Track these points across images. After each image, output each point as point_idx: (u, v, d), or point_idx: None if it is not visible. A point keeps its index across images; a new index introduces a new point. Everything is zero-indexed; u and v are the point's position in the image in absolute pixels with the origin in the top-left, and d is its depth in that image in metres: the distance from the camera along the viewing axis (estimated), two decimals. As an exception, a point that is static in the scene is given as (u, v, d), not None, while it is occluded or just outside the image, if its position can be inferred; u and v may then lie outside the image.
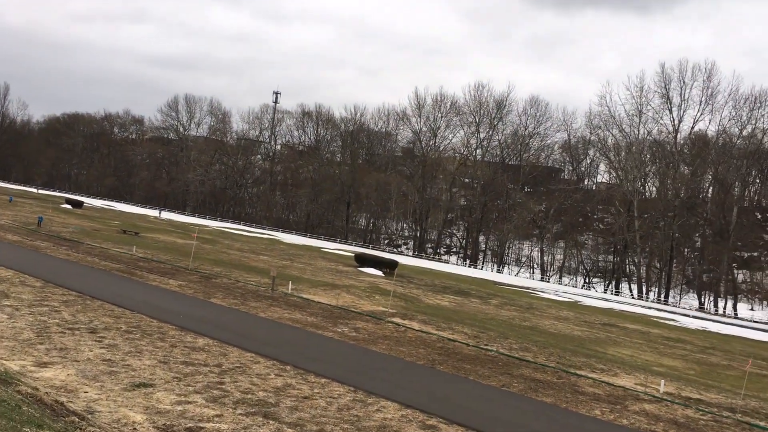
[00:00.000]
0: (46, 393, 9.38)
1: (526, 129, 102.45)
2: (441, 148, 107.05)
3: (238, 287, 25.99)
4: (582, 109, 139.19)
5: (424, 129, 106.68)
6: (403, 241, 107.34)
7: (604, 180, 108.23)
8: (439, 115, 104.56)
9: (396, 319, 22.94)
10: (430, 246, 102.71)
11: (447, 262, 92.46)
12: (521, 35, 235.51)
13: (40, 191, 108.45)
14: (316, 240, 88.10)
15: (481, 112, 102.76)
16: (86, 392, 10.72)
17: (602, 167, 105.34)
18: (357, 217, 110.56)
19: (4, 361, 11.49)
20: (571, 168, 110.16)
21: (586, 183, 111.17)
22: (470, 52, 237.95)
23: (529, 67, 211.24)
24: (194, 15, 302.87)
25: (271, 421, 10.63)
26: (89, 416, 9.43)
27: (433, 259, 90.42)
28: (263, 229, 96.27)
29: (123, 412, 9.98)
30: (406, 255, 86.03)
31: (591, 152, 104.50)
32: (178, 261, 31.73)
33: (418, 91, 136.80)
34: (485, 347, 20.28)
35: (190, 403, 10.91)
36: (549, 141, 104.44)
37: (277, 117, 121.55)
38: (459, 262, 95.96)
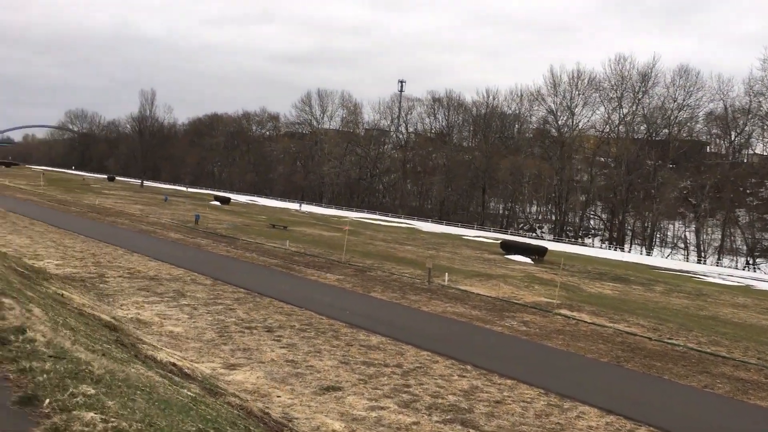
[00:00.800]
0: (251, 401, 9.10)
1: (674, 101, 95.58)
2: (579, 126, 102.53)
3: (393, 280, 25.61)
4: (738, 77, 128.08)
5: (561, 108, 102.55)
6: (538, 225, 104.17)
7: (757, 151, 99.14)
8: (576, 92, 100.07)
9: (563, 311, 21.60)
10: (570, 229, 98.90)
11: (591, 245, 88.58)
12: (651, 3, 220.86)
13: (189, 189, 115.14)
14: (452, 227, 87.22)
15: (624, 86, 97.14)
16: (279, 396, 10.47)
17: (759, 136, 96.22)
18: (492, 202, 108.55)
19: (195, 364, 11.50)
20: (723, 140, 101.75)
21: (741, 154, 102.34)
22: (597, 25, 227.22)
23: (666, 38, 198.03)
24: (317, 11, 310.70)
25: (471, 430, 9.89)
26: (289, 423, 9.11)
27: (575, 243, 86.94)
28: (398, 218, 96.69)
29: (320, 419, 9.59)
30: (547, 240, 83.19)
31: (744, 121, 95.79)
32: (329, 254, 31.95)
33: (553, 69, 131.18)
34: (669, 341, 18.53)
35: (383, 408, 10.38)
36: (700, 112, 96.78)
37: (408, 105, 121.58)
38: (603, 245, 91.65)
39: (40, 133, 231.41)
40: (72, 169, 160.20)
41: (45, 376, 3.67)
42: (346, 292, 21.86)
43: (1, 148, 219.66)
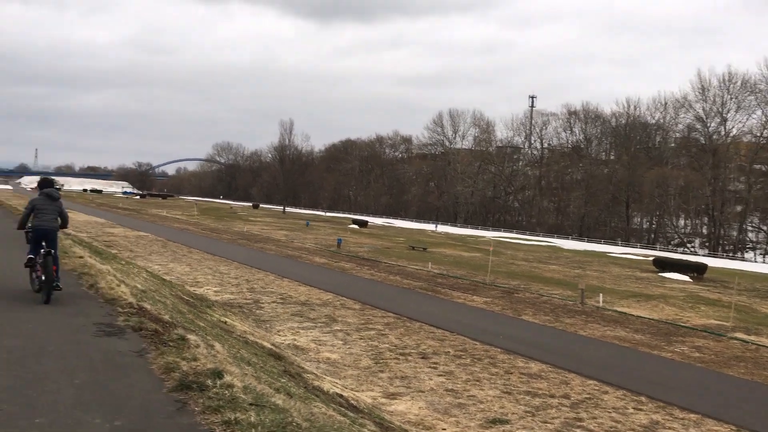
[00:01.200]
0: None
1: None
2: (732, 132, 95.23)
3: (543, 302, 24.54)
4: None
5: (711, 113, 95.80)
6: (689, 240, 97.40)
7: None
8: (729, 96, 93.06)
9: (739, 335, 19.63)
10: (727, 243, 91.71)
11: (752, 260, 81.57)
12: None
13: (327, 214, 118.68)
14: (595, 245, 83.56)
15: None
16: (444, 429, 10.03)
17: None
18: (636, 216, 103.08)
19: (356, 393, 11.31)
20: None
21: None
22: (744, 23, 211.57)
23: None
24: (444, 33, 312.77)
25: (661, 473, 8.93)
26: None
27: (734, 258, 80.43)
28: (536, 236, 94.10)
29: (492, 457, 9.02)
30: (701, 255, 77.54)
31: None
32: (473, 275, 31.31)
33: (701, 73, 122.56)
34: None
35: (557, 445, 9.64)
36: None
37: (542, 120, 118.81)
38: (766, 259, 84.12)
39: (191, 166, 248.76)
40: (220, 198, 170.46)
41: (253, 431, 3.45)
42: (496, 316, 21.14)
43: (157, 182, 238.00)
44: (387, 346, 15.61)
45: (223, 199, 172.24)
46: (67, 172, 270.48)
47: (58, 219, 9.38)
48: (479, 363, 14.42)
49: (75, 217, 56.22)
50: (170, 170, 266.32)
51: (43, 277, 8.64)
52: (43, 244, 9.00)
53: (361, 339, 16.16)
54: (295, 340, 15.52)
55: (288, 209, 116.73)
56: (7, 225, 22.86)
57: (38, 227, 9.06)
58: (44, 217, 9.11)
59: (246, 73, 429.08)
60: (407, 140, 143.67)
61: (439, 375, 13.23)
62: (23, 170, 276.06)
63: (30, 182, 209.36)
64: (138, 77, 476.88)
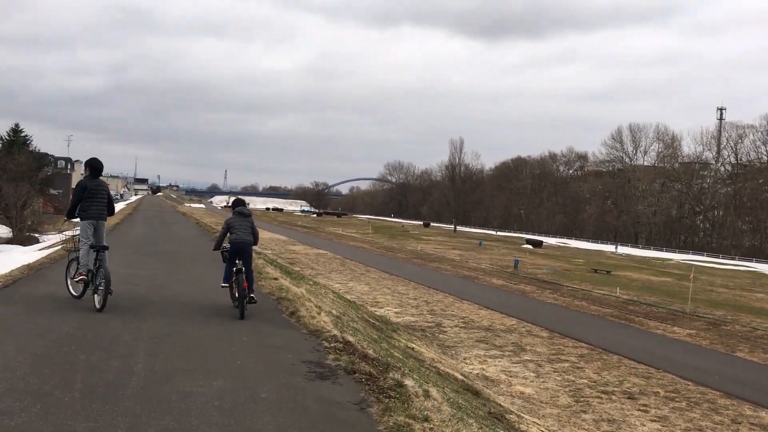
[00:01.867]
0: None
1: None
2: None
3: (759, 336, 21.59)
4: None
5: None
6: None
7: None
8: None
9: None
10: None
11: None
12: None
13: (498, 233, 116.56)
14: (803, 270, 74.17)
15: None
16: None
17: None
18: None
19: (560, 437, 10.14)
20: None
21: None
22: None
23: None
24: (617, 46, 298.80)
25: None
26: None
27: None
28: (731, 259, 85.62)
29: None
30: None
31: None
32: (668, 303, 28.53)
33: None
34: None
35: None
36: None
37: (736, 133, 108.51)
38: None
39: (363, 185, 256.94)
40: (391, 217, 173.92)
41: None
42: (705, 351, 18.78)
43: (332, 200, 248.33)
44: (585, 381, 14.20)
45: (394, 217, 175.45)
46: (252, 191, 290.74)
47: (252, 235, 9.74)
48: (697, 408, 12.60)
49: (260, 234, 59.53)
50: (344, 189, 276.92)
51: (236, 294, 9.13)
52: (238, 262, 9.41)
53: (555, 372, 14.86)
54: (483, 369, 14.59)
55: (458, 228, 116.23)
56: (205, 243, 24.12)
57: (234, 241, 9.52)
58: (239, 232, 9.58)
59: (416, 93, 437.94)
60: (582, 157, 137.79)
61: (652, 420, 11.67)
62: (214, 190, 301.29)
63: (220, 201, 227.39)
64: (315, 102, 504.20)
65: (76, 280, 9.22)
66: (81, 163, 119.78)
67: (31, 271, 12.48)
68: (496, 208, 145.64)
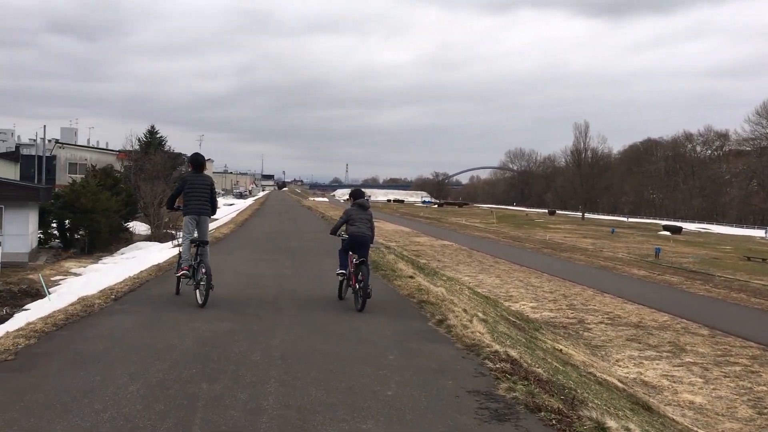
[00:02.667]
0: None
1: None
2: None
3: None
4: None
5: None
6: None
7: None
8: None
9: None
10: None
11: None
12: None
13: (629, 219, 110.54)
14: None
15: None
16: None
17: None
18: None
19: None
20: None
21: None
22: None
23: None
24: (754, 16, 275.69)
25: None
26: None
27: None
28: None
29: None
30: None
31: None
32: None
33: None
34: None
35: None
36: None
37: None
38: None
39: (483, 174, 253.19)
40: (513, 205, 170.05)
41: None
42: None
43: (452, 190, 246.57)
44: (765, 388, 12.26)
45: (517, 205, 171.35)
46: (373, 184, 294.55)
47: (371, 228, 9.55)
48: None
49: (383, 226, 59.26)
50: (463, 179, 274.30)
51: (357, 286, 8.89)
52: (354, 258, 9.24)
53: (726, 377, 12.99)
54: (640, 373, 12.98)
55: (586, 215, 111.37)
56: (332, 237, 23.72)
57: (353, 234, 9.32)
58: (358, 225, 9.37)
59: (536, 78, 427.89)
60: (722, 136, 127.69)
61: None
62: (336, 183, 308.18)
63: (342, 194, 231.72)
64: (433, 93, 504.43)
65: (178, 275, 9.22)
66: (212, 161, 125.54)
67: (160, 272, 12.32)
68: (626, 194, 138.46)
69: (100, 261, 26.64)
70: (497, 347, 5.53)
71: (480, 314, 8.37)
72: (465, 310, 7.87)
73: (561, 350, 11.87)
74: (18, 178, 53.94)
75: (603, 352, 14.57)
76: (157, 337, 6.83)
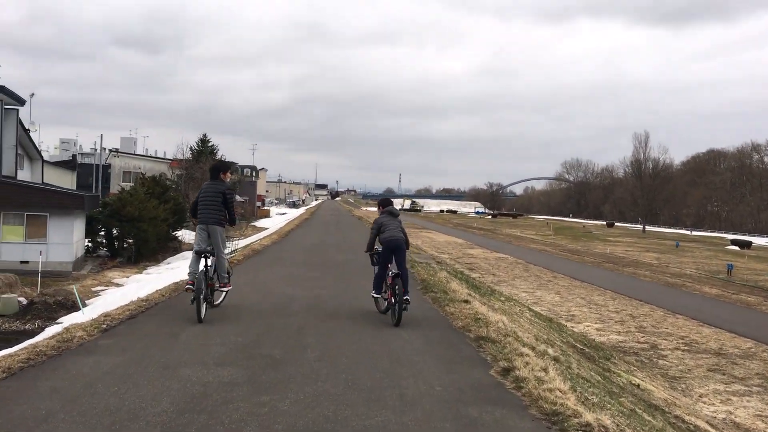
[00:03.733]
0: None
1: None
2: None
3: None
4: None
5: None
6: None
7: None
8: None
9: None
10: None
11: None
12: None
13: (693, 232, 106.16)
14: None
15: None
16: None
17: None
18: None
19: None
20: None
21: None
22: None
23: None
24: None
25: None
26: None
27: None
28: None
29: None
30: None
31: None
32: None
33: None
34: None
35: None
36: None
37: None
38: None
39: (538, 185, 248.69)
40: (569, 217, 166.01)
41: None
42: None
43: (506, 201, 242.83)
44: None
45: (573, 217, 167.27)
46: (426, 194, 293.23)
47: (403, 233, 9.13)
48: None
49: (436, 237, 57.72)
50: (517, 190, 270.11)
51: (393, 300, 8.39)
52: (391, 272, 8.71)
53: (832, 420, 11.14)
54: (730, 413, 11.28)
55: (646, 228, 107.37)
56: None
57: (387, 239, 8.90)
58: (391, 230, 8.99)
59: (593, 88, 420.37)
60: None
61: None
62: (389, 193, 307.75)
63: (395, 204, 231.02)
64: (488, 102, 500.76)
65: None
66: (266, 171, 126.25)
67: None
68: (688, 206, 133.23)
69: (144, 271, 26.05)
70: (587, 416, 4.09)
71: (550, 351, 6.93)
72: (533, 348, 6.42)
73: (638, 385, 10.30)
74: (74, 187, 54.66)
75: (683, 385, 12.86)
76: (126, 394, 5.10)
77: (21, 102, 26.56)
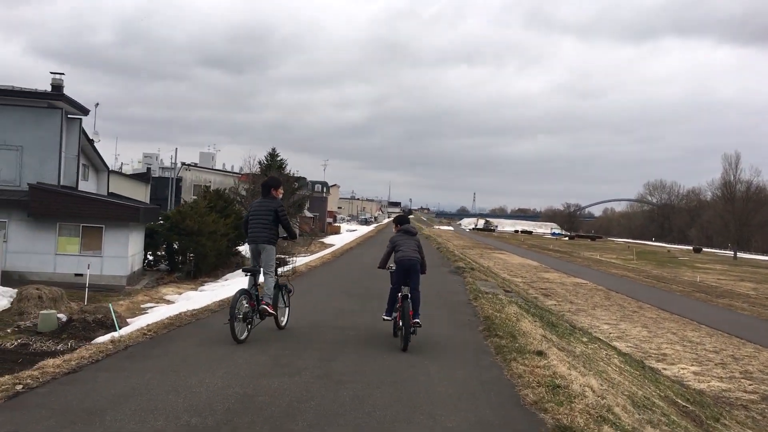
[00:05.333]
0: None
1: None
2: None
3: None
4: None
5: None
6: None
7: None
8: None
9: None
10: None
11: None
12: None
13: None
14: None
15: None
16: None
17: None
18: None
19: None
20: None
21: None
22: None
23: None
24: None
25: None
26: None
27: None
28: None
29: None
30: None
31: None
32: None
33: None
34: None
35: None
36: None
37: None
38: None
39: (618, 207, 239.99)
40: (652, 241, 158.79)
41: None
42: None
43: (584, 223, 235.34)
44: None
45: (656, 241, 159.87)
46: (500, 214, 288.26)
47: (418, 253, 8.62)
48: None
49: (509, 259, 55.14)
50: (596, 211, 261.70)
51: (401, 323, 7.97)
52: (403, 288, 8.26)
53: None
54: None
55: (738, 254, 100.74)
56: (441, 279, 20.70)
57: (400, 259, 8.44)
58: (404, 250, 8.50)
59: (679, 108, 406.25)
60: None
61: None
62: (463, 212, 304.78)
63: (468, 223, 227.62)
64: (567, 122, 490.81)
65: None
66: (338, 187, 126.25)
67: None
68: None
69: (200, 287, 25.05)
70: None
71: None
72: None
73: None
74: (148, 199, 55.22)
75: (812, 456, 10.39)
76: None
77: (84, 112, 26.18)
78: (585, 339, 10.58)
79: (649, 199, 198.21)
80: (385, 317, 8.56)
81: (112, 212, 23.10)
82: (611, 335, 20.35)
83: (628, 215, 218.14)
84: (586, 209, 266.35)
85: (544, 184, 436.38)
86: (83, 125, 26.65)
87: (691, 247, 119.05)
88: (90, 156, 29.00)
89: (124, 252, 23.33)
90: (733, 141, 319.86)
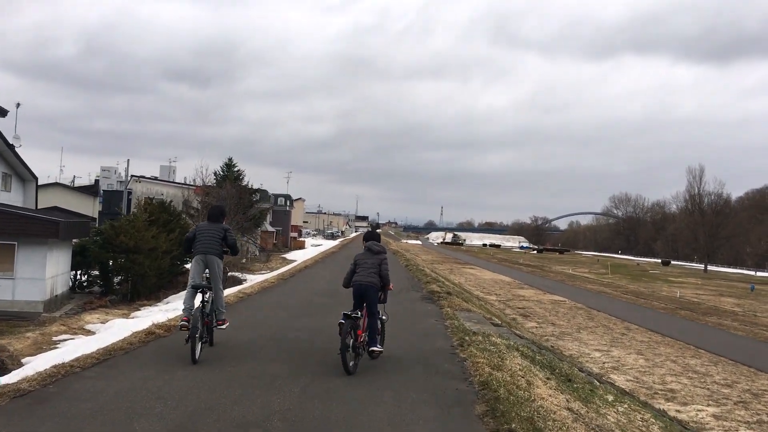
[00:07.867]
0: None
1: None
2: None
3: None
4: None
5: None
6: None
7: None
8: None
9: None
10: None
11: None
12: None
13: (757, 273, 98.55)
14: None
15: None
16: None
17: None
18: None
19: None
20: None
21: None
22: None
23: None
24: None
25: None
26: None
27: None
28: None
29: None
30: None
31: None
32: None
33: None
34: None
35: None
36: None
37: None
38: None
39: (584, 220, 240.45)
40: (618, 253, 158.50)
41: None
42: None
43: (551, 236, 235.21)
44: None
45: (622, 253, 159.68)
46: (468, 227, 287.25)
47: (377, 275, 7.72)
48: None
49: (480, 275, 52.51)
50: (561, 225, 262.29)
51: (348, 342, 7.05)
52: (357, 312, 7.38)
53: None
54: None
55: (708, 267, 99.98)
56: (410, 300, 17.84)
57: (354, 283, 7.72)
58: (362, 272, 7.76)
59: (641, 123, 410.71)
60: None
61: None
62: (431, 226, 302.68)
63: (436, 237, 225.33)
64: (532, 136, 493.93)
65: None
66: (303, 201, 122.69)
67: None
68: (750, 244, 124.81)
69: (135, 312, 21.75)
70: None
71: None
72: None
73: None
74: (96, 213, 51.42)
75: None
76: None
77: (2, 113, 22.83)
78: (610, 397, 7.83)
79: (615, 212, 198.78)
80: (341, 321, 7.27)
81: (26, 227, 19.69)
82: (606, 365, 17.72)
83: (594, 228, 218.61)
84: (552, 222, 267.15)
85: (511, 197, 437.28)
86: (0, 128, 23.28)
87: (659, 260, 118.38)
88: (12, 164, 25.53)
89: (41, 273, 19.97)
90: (691, 155, 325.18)
